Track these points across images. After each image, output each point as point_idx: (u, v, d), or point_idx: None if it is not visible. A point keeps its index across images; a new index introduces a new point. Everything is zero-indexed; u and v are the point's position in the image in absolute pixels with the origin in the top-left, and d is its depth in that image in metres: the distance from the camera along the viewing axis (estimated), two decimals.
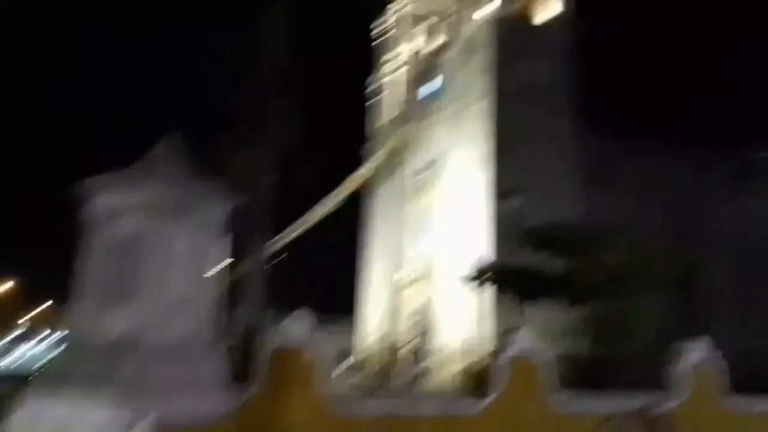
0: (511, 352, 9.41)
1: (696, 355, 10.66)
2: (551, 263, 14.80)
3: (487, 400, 9.04)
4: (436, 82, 37.92)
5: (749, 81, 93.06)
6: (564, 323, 13.89)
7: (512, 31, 31.43)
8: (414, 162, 37.50)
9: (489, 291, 23.19)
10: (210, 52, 12.93)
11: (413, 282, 34.32)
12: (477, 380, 14.96)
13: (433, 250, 32.94)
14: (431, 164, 35.31)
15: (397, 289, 36.05)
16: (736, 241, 33.20)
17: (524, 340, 9.52)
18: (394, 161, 39.50)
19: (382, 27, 45.90)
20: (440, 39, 43.37)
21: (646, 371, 10.97)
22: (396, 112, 41.26)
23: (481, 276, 17.52)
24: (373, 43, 46.47)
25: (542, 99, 30.28)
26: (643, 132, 35.87)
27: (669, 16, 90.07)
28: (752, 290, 32.37)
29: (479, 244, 27.73)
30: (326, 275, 42.18)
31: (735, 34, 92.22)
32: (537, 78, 30.39)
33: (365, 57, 46.84)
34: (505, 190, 17.28)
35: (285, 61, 14.89)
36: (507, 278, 16.26)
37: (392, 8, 44.67)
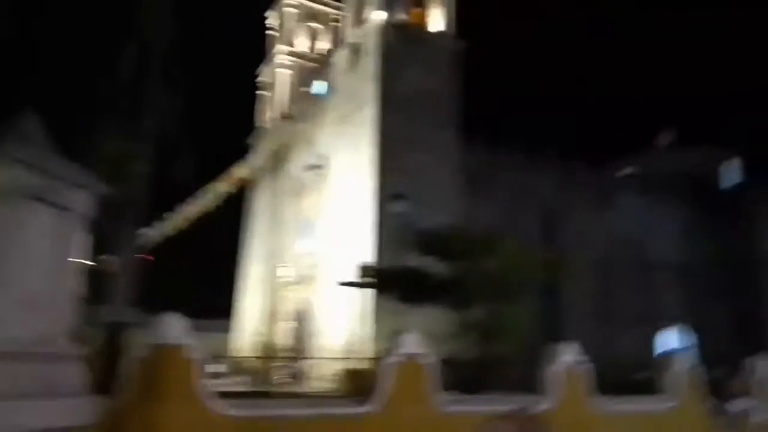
0: (396, 354, 9.30)
1: (567, 357, 11.19)
2: (436, 267, 15.03)
3: (372, 402, 8.85)
4: (324, 84, 37.73)
5: (615, 105, 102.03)
6: (447, 326, 14.10)
7: (400, 40, 31.81)
8: (300, 161, 36.93)
9: (371, 293, 23.32)
10: (76, 24, 11.60)
11: (294, 283, 33.67)
12: (358, 382, 14.79)
13: (317, 251, 32.53)
14: (317, 164, 34.91)
15: (276, 290, 35.20)
16: (596, 249, 35.99)
17: (409, 342, 9.45)
18: (279, 158, 38.66)
19: (275, 18, 44.86)
20: (328, 41, 43.48)
21: (523, 373, 11.34)
22: (284, 108, 40.48)
23: (364, 278, 17.42)
24: (266, 32, 45.31)
25: (427, 108, 30.96)
26: (519, 146, 37.88)
27: (546, 38, 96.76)
28: (607, 297, 35.42)
29: (363, 246, 27.71)
30: (202, 274, 40.26)
31: (605, 60, 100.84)
32: (422, 87, 31.07)
33: (258, 45, 45.72)
34: (389, 194, 17.35)
35: (164, 40, 13.73)
36: (391, 281, 16.29)
37: (283, 2, 43.85)
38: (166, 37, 13.17)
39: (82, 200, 7.26)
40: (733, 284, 40.05)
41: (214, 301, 38.44)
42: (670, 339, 37.94)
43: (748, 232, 41.39)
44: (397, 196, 16.84)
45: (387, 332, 25.32)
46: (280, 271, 34.99)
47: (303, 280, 32.68)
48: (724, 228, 41.69)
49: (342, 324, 27.52)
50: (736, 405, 14.44)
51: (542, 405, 10.54)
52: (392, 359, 9.26)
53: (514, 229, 28.46)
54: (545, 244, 32.10)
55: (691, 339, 37.90)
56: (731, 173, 49.35)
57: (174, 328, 7.55)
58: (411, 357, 9.31)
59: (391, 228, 24.36)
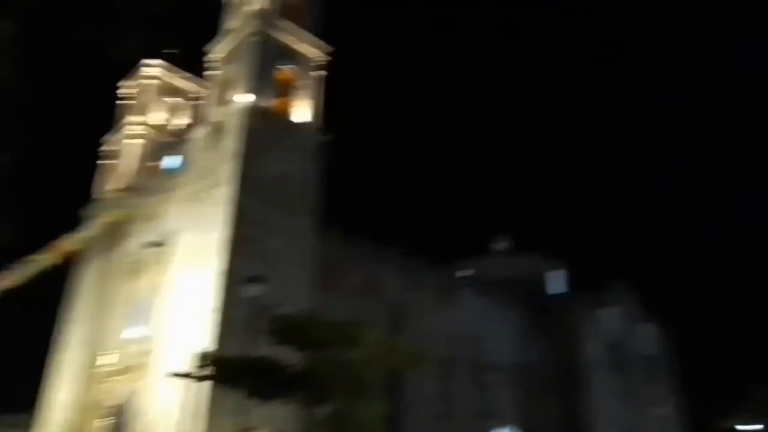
0: None
1: None
2: (290, 357, 13.95)
3: None
4: (177, 159, 36.06)
5: (458, 207, 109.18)
6: (296, 425, 12.94)
7: (263, 125, 31.58)
8: (140, 237, 34.13)
9: (208, 387, 21.26)
10: None
11: (119, 372, 29.92)
12: None
13: (149, 337, 29.45)
14: (160, 243, 32.46)
15: (97, 380, 30.99)
16: (438, 348, 36.73)
17: None
18: (115, 233, 35.43)
19: (130, 88, 42.81)
20: (186, 117, 42.22)
21: None
22: (129, 180, 37.75)
23: (202, 368, 15.73)
24: (118, 102, 42.86)
25: (285, 195, 30.62)
26: (370, 241, 38.64)
27: (402, 139, 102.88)
28: (447, 395, 35.96)
29: (203, 334, 25.59)
30: (5, 359, 34.52)
31: (448, 165, 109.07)
32: (282, 173, 30.83)
33: (106, 115, 42.98)
34: (247, 277, 16.22)
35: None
36: (236, 372, 14.77)
37: (142, 72, 42.17)
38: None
39: None
40: (560, 385, 42.94)
41: (16, 393, 32.96)
42: None
43: (572, 337, 45.15)
44: (254, 279, 15.77)
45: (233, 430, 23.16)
46: (102, 359, 31.02)
47: (130, 369, 29.20)
48: (551, 332, 45.14)
49: (172, 421, 24.61)
50: None
51: None
52: None
53: (363, 324, 28.27)
54: (394, 337, 32.18)
55: None
56: (558, 282, 54.29)
57: None
58: None
59: (240, 313, 22.76)
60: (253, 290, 15.43)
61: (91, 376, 31.43)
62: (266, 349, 14.69)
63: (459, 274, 47.10)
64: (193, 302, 27.77)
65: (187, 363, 21.28)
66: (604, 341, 47.10)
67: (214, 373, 15.27)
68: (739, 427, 57.81)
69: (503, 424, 39.58)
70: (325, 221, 33.17)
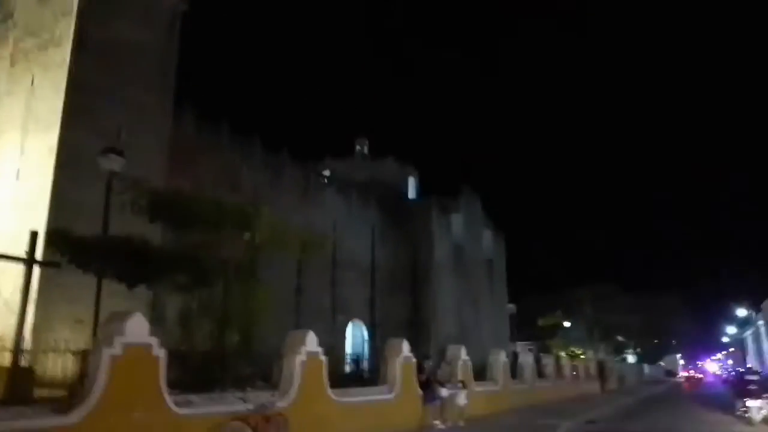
0: (112, 344, 6.85)
1: (304, 349, 10.11)
2: (160, 236, 12.29)
3: (77, 409, 6.30)
4: None
5: (324, 107, 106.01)
6: (179, 310, 11.57)
7: None
8: None
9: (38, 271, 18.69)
10: None
11: None
12: (19, 383, 11.15)
13: None
14: None
15: None
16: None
17: (134, 329, 7.11)
18: None
19: None
20: None
21: (261, 366, 9.81)
22: None
23: (52, 248, 13.51)
24: None
25: (134, 64, 27.01)
26: (228, 127, 36.20)
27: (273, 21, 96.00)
28: (302, 290, 36.08)
29: (37, 216, 22.37)
30: None
31: (315, 60, 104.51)
32: (132, 39, 27.01)
33: None
34: (104, 148, 13.79)
35: None
36: (93, 253, 12.73)
37: None
38: None
39: None
40: (408, 284, 45.19)
41: None
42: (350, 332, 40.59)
43: (423, 240, 47.22)
44: (111, 150, 13.50)
45: (61, 319, 20.88)
46: None
47: None
48: (404, 234, 46.74)
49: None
50: (443, 392, 15.43)
51: (281, 402, 9.23)
52: (109, 350, 6.79)
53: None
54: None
55: (367, 331, 41.23)
56: (411, 187, 55.85)
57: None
58: (137, 348, 6.99)
59: (88, 191, 19.99)
60: (111, 162, 13.23)
61: None
62: (127, 230, 12.81)
63: (320, 173, 46.39)
64: (22, 180, 24.09)
65: (19, 246, 18.51)
66: (450, 245, 49.98)
67: (60, 252, 13.07)
68: (541, 322, 66.96)
69: (351, 317, 40.98)
70: (179, 101, 30.25)
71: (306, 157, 45.29)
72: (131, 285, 12.51)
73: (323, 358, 10.47)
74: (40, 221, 22.24)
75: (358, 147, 58.32)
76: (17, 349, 11.36)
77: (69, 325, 20.37)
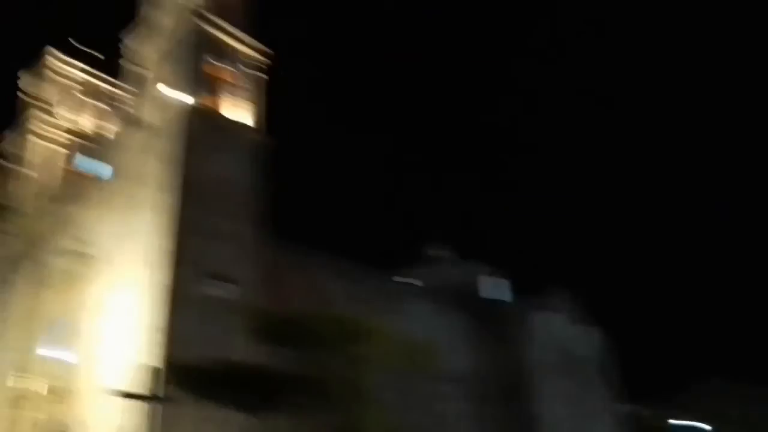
0: None
1: None
2: (277, 361, 12.33)
3: None
4: (102, 163, 33.26)
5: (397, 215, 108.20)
6: None
7: (203, 125, 29.57)
8: (61, 249, 31.05)
9: (154, 407, 19.09)
10: None
11: (42, 396, 26.83)
12: None
13: (76, 357, 26.64)
14: (80, 253, 29.62)
15: (14, 403, 27.61)
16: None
17: None
18: (28, 242, 32.08)
19: (31, 80, 38.97)
20: (113, 119, 39.30)
21: None
22: (43, 185, 34.47)
23: (163, 383, 13.76)
24: (18, 93, 38.97)
25: (228, 200, 28.76)
26: (312, 248, 37.34)
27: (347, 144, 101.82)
28: (403, 405, 34.85)
29: (145, 349, 23.24)
30: None
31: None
32: (225, 178, 28.99)
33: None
34: (208, 272, 14.38)
35: None
36: (206, 382, 12.86)
37: (53, 67, 38.61)
38: None
39: None
40: (508, 392, 42.78)
41: None
42: None
43: (518, 343, 45.16)
44: (218, 278, 14.09)
45: None
46: (21, 379, 27.69)
47: (55, 393, 26.24)
48: (497, 338, 44.95)
49: None
50: None
51: None
52: None
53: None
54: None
55: None
56: (498, 287, 54.38)
57: None
58: None
59: (197, 318, 20.72)
60: (220, 289, 13.74)
61: (10, 396, 28.06)
62: (238, 354, 13.01)
63: (399, 281, 46.25)
64: (129, 316, 25.39)
65: (129, 381, 19.23)
66: (549, 346, 47.37)
67: (179, 385, 13.31)
68: (672, 422, 59.60)
69: None
70: (265, 227, 31.63)
71: (390, 266, 45.61)
72: (252, 413, 12.42)
73: None
74: (154, 354, 23.09)
75: (440, 252, 58.16)
76: None
77: None
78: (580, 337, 51.81)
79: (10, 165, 36.89)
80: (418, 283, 47.43)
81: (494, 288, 54.01)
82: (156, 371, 13.33)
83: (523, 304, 48.49)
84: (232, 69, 32.36)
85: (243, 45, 33.20)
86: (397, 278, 46.33)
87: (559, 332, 49.18)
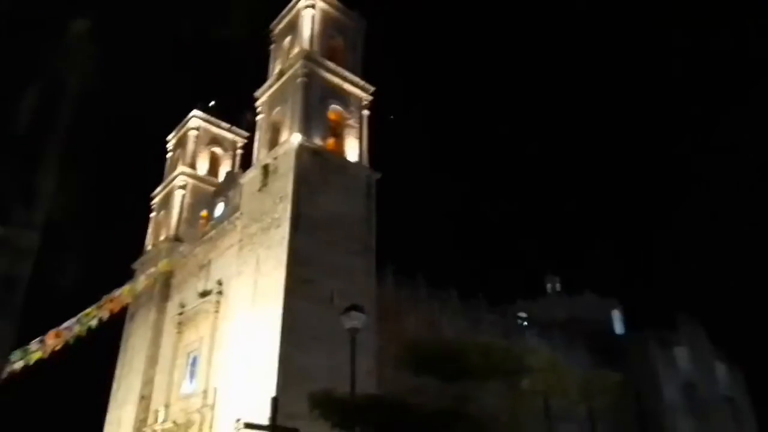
0: None
1: None
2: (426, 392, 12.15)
3: None
4: (221, 207, 35.55)
5: (510, 248, 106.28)
6: None
7: (315, 164, 30.75)
8: (191, 288, 33.12)
9: None
10: None
11: (178, 428, 28.23)
12: None
13: (207, 390, 27.86)
14: (211, 292, 31.39)
15: None
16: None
17: None
18: (167, 284, 34.53)
19: (175, 141, 42.97)
20: (229, 166, 42.01)
21: None
22: (177, 231, 37.13)
23: (319, 408, 13.85)
24: (168, 155, 43.02)
25: (341, 235, 29.46)
26: (423, 281, 37.12)
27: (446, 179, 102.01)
28: None
29: (266, 386, 23.89)
30: (58, 419, 33.06)
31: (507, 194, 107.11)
32: (337, 213, 29.78)
33: (155, 168, 43.25)
34: (345, 307, 14.57)
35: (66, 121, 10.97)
36: (355, 415, 12.80)
37: (187, 125, 42.31)
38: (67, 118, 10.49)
39: None
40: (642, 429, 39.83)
41: None
42: None
43: (645, 379, 42.14)
44: (352, 308, 14.20)
45: None
46: (159, 415, 29.42)
47: (190, 425, 27.49)
48: (622, 373, 42.10)
49: None
50: None
51: None
52: None
53: (419, 381, 26.50)
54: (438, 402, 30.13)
55: None
56: (617, 321, 51.46)
57: None
58: None
59: (312, 352, 21.08)
60: (353, 320, 13.81)
61: None
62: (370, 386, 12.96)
63: (518, 316, 44.83)
64: (254, 350, 26.27)
65: (258, 413, 19.67)
66: (679, 382, 43.88)
67: (325, 416, 13.40)
68: None
69: None
70: (378, 262, 31.87)
71: (499, 301, 44.49)
72: None
73: None
74: (269, 386, 23.74)
75: (549, 285, 56.18)
76: None
77: None
78: (710, 373, 47.53)
79: (155, 216, 40.33)
80: (533, 317, 45.86)
81: (608, 320, 51.26)
82: (275, 402, 13.55)
83: (644, 336, 45.37)
84: (340, 108, 33.56)
85: (350, 84, 34.42)
86: (520, 314, 45.08)
87: (687, 367, 45.47)
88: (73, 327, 28.03)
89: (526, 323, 42.76)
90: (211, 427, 26.41)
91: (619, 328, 50.83)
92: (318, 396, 14.38)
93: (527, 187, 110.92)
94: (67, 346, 28.29)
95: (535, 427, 14.12)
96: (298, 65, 32.70)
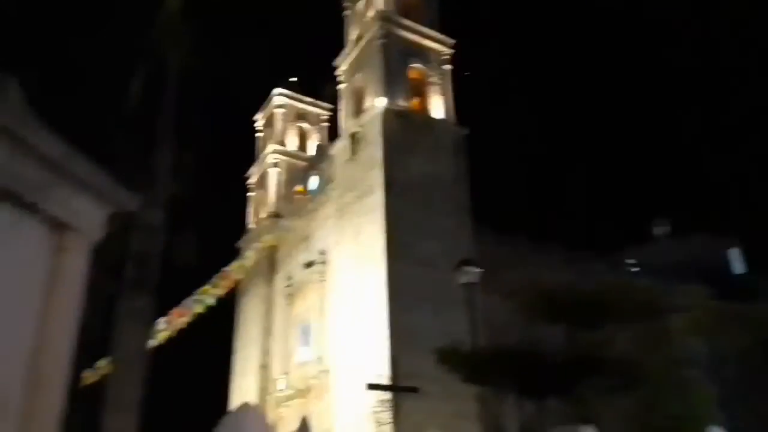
0: None
1: None
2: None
3: None
4: (315, 179, 36.08)
5: (623, 186, 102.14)
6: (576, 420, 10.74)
7: (402, 127, 30.38)
8: (296, 259, 34.12)
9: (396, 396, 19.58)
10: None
11: (295, 395, 29.51)
12: None
13: (320, 357, 28.81)
14: (314, 262, 32.15)
15: (274, 406, 30.82)
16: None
17: None
18: (272, 259, 35.80)
19: (263, 119, 44.05)
20: (317, 139, 42.54)
21: None
22: (275, 207, 38.25)
23: (451, 362, 13.86)
24: (255, 135, 44.27)
25: (434, 195, 29.15)
26: (523, 236, 36.13)
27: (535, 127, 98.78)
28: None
29: (380, 349, 24.29)
30: (186, 392, 35.48)
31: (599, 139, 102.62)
32: (428, 174, 29.42)
33: (247, 149, 44.68)
34: (459, 261, 14.41)
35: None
36: (488, 368, 12.72)
37: (273, 102, 43.17)
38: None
39: (90, 213, 4.60)
40: (762, 379, 37.17)
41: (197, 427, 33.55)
42: None
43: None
44: (465, 262, 13.93)
45: None
46: (278, 384, 30.83)
47: (307, 392, 28.62)
48: (744, 318, 39.43)
49: None
50: None
51: None
52: None
53: (534, 333, 25.71)
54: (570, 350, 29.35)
55: None
56: (737, 261, 48.06)
57: None
58: None
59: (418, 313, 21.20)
60: (468, 275, 13.50)
61: (269, 401, 31.35)
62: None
63: (629, 262, 42.81)
64: (360, 316, 26.75)
65: (374, 375, 20.02)
66: None
67: (455, 371, 13.39)
68: None
69: (709, 423, 34.64)
70: (474, 220, 31.25)
71: (608, 250, 42.67)
72: (539, 398, 12.01)
73: None
74: (382, 350, 24.09)
75: (658, 229, 53.18)
76: None
77: None
78: None
79: (252, 194, 41.79)
80: (644, 263, 43.65)
81: (732, 262, 47.93)
82: (394, 362, 13.65)
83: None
84: (422, 66, 32.84)
85: (429, 40, 33.58)
86: (629, 262, 43.14)
87: None
88: (192, 305, 29.70)
89: (636, 270, 40.76)
90: (329, 390, 27.28)
91: (738, 267, 47.42)
92: (446, 351, 14.29)
93: (626, 131, 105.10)
94: (188, 324, 30.07)
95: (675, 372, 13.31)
96: (375, 27, 32.22)
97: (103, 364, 9.39)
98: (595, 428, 6.08)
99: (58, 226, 4.43)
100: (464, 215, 29.96)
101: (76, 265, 4.59)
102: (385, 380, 19.48)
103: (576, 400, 11.47)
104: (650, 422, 10.07)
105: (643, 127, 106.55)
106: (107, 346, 9.05)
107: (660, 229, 52.25)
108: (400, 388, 15.11)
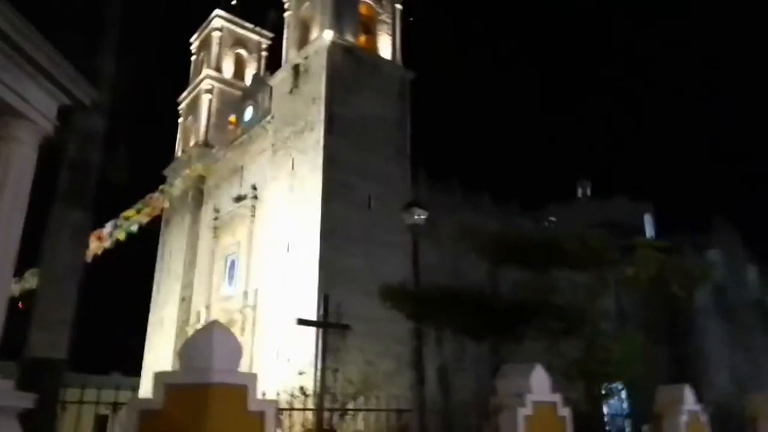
0: (529, 402, 6.13)
1: (687, 405, 8.59)
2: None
3: None
4: (250, 110, 34.61)
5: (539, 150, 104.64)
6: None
7: (348, 63, 29.41)
8: (223, 193, 32.91)
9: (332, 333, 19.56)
10: None
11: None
12: None
13: (247, 292, 28.28)
14: (245, 197, 31.14)
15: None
16: None
17: (541, 384, 6.35)
18: (201, 190, 34.35)
19: (198, 43, 41.40)
20: (254, 66, 40.61)
21: None
22: (207, 137, 36.49)
23: (393, 299, 13.82)
24: (192, 58, 41.61)
25: (377, 137, 28.63)
26: (457, 184, 36.47)
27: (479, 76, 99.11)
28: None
29: (310, 286, 24.07)
30: (101, 320, 34.09)
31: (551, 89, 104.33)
32: (372, 114, 28.79)
33: (180, 72, 41.95)
34: (406, 203, 14.16)
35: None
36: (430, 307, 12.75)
37: (209, 26, 40.54)
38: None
39: (42, 102, 4.10)
40: (666, 332, 40.15)
41: (122, 351, 32.58)
42: None
43: (677, 283, 41.98)
44: (413, 204, 13.70)
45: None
46: (201, 316, 30.13)
47: (231, 325, 28.12)
48: (655, 278, 42.02)
49: (289, 373, 23.15)
50: None
51: None
52: (522, 410, 6.07)
53: (463, 279, 26.11)
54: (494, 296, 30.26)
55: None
56: (650, 225, 50.90)
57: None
58: (545, 407, 6.20)
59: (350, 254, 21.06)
60: (412, 218, 13.28)
61: (188, 333, 30.68)
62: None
63: (553, 220, 44.35)
64: (291, 252, 26.34)
65: (301, 312, 19.85)
66: (710, 286, 43.77)
67: (397, 308, 13.35)
68: None
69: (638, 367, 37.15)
70: (414, 164, 31.17)
71: (532, 206, 43.96)
72: (477, 337, 12.20)
73: (704, 417, 8.78)
74: (311, 287, 23.93)
75: (580, 189, 55.32)
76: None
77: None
78: (741, 277, 47.48)
79: (184, 121, 39.50)
80: (557, 220, 45.38)
81: (641, 224, 50.68)
82: (326, 298, 13.54)
83: (676, 240, 44.86)
84: (373, 2, 31.64)
85: None
86: (551, 218, 44.59)
87: (719, 271, 45.20)
88: (113, 231, 28.16)
89: (554, 227, 42.32)
90: (254, 324, 26.95)
91: (650, 231, 50.34)
92: (390, 288, 14.24)
93: (560, 90, 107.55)
94: (106, 250, 28.58)
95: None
96: None
97: (29, 275, 8.56)
98: (541, 366, 6.23)
99: (8, 113, 3.81)
100: (404, 159, 29.73)
101: (26, 157, 3.95)
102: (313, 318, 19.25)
103: (517, 339, 11.79)
104: (587, 366, 10.55)
105: (587, 92, 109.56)
106: (36, 257, 8.36)
107: (581, 190, 54.36)
108: (332, 324, 14.95)
